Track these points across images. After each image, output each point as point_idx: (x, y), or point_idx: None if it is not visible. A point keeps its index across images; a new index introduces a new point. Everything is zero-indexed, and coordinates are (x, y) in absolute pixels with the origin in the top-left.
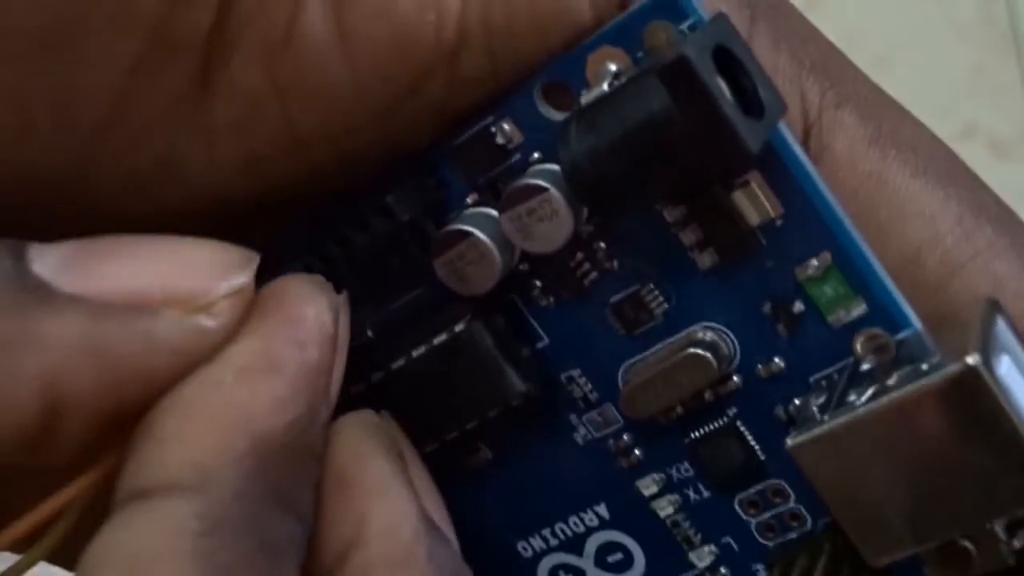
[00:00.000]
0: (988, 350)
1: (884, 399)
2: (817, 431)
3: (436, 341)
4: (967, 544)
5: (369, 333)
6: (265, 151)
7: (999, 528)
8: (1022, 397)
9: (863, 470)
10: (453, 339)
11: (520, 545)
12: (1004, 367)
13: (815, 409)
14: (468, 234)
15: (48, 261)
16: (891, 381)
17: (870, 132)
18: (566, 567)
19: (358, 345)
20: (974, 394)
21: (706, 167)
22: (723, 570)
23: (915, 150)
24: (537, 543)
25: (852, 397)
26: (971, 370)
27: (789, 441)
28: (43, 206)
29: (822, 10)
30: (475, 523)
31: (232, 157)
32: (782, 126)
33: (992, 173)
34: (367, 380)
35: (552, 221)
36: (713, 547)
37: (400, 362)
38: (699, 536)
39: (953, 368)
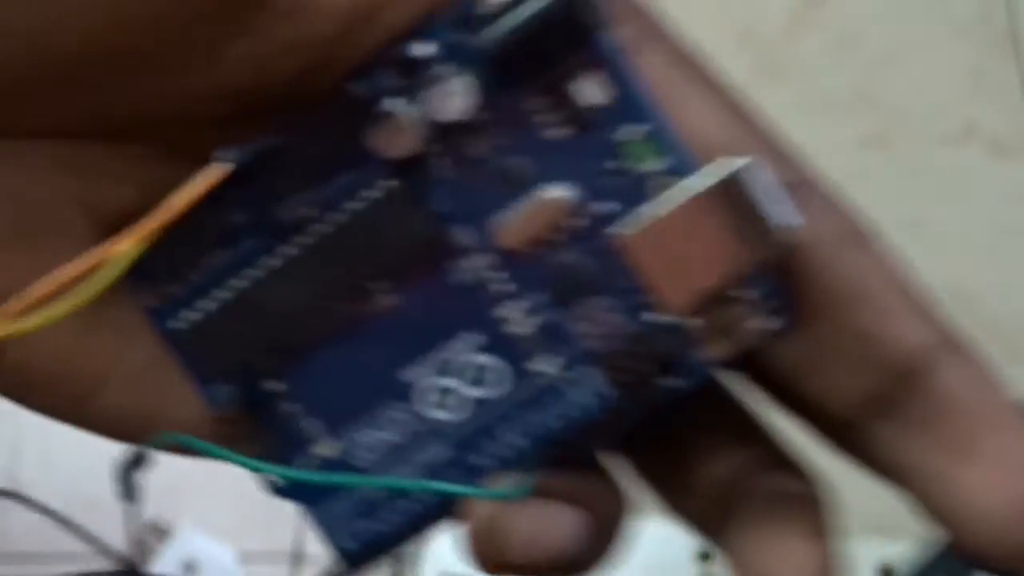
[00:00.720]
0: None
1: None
2: (638, 223)
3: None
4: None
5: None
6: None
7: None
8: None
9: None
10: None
11: (401, 375)
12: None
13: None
14: (393, 112)
15: None
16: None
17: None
18: (441, 388)
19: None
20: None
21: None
22: (565, 374)
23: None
24: (417, 372)
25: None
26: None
27: (615, 231)
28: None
29: (823, 11)
30: (375, 353)
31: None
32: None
33: (992, 173)
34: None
35: (455, 95)
36: (553, 356)
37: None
38: (543, 344)
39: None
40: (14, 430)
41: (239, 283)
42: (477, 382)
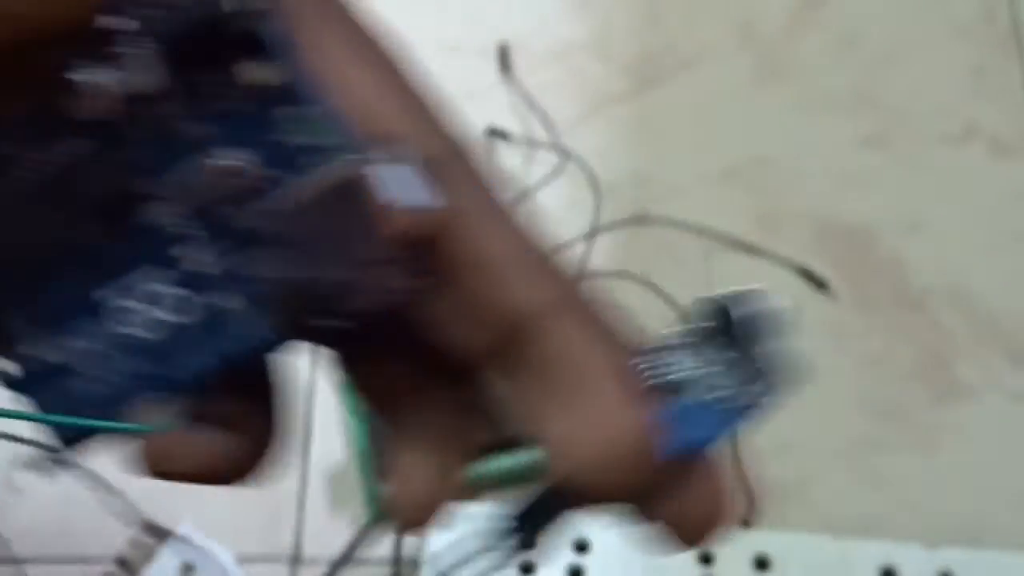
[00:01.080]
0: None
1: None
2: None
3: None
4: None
5: None
6: None
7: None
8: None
9: None
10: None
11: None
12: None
13: None
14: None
15: None
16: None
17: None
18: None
19: None
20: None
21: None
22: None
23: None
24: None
25: None
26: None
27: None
28: None
29: (823, 10)
30: (75, 276)
31: None
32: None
33: (993, 173)
34: None
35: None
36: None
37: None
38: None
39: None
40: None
41: None
42: (159, 307)
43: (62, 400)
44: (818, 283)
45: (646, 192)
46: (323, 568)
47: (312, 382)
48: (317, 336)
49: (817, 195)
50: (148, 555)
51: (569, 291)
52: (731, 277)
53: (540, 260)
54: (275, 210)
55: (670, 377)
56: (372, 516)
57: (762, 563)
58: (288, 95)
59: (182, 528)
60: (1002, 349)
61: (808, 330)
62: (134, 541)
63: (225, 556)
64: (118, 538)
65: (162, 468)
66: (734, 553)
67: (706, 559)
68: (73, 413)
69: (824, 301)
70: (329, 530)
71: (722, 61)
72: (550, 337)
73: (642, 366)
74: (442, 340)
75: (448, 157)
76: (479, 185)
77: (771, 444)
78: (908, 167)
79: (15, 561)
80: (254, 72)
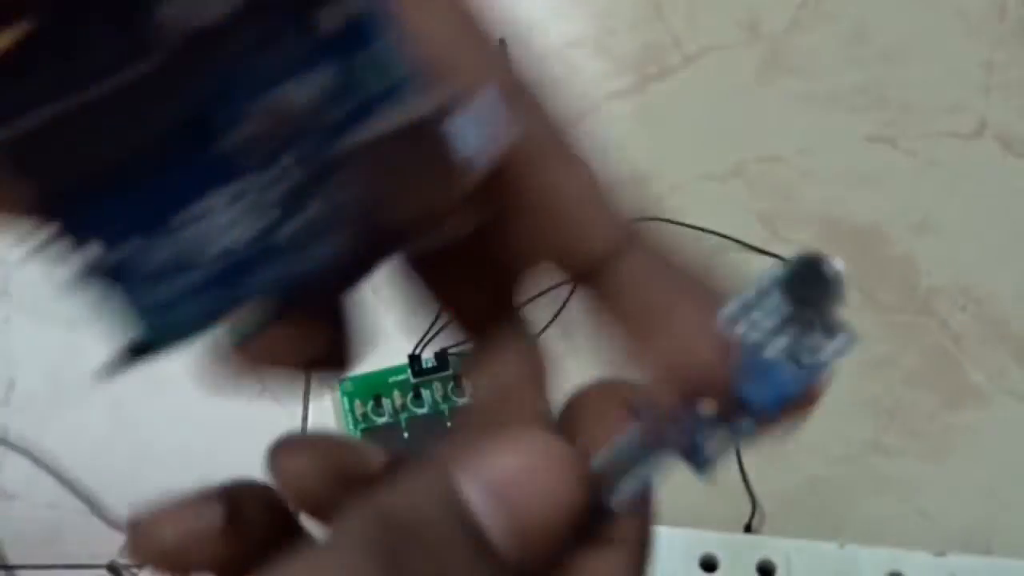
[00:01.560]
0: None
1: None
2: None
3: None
4: None
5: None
6: None
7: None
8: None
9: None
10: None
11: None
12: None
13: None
14: None
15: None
16: None
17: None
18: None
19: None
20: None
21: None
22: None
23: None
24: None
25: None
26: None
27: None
28: None
29: (830, 5)
30: (152, 191)
31: None
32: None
33: (1003, 170)
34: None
35: None
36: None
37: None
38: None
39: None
40: (1, 436)
41: (47, 117)
42: (237, 228)
43: (140, 307)
44: None
45: (648, 191)
46: None
47: (308, 383)
48: (387, 258)
49: (824, 193)
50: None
51: (635, 227)
52: (735, 278)
53: (608, 197)
54: (353, 141)
55: (747, 333)
56: None
57: (766, 570)
58: (367, 32)
59: None
60: (1012, 351)
61: None
62: (126, 547)
63: None
64: (110, 544)
65: (264, 362)
66: (738, 559)
67: (709, 565)
68: (151, 320)
69: None
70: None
71: (726, 56)
72: (625, 268)
73: (720, 319)
74: (520, 267)
75: (519, 91)
76: (549, 121)
77: (775, 448)
78: (917, 164)
79: (5, 567)
80: (329, 14)
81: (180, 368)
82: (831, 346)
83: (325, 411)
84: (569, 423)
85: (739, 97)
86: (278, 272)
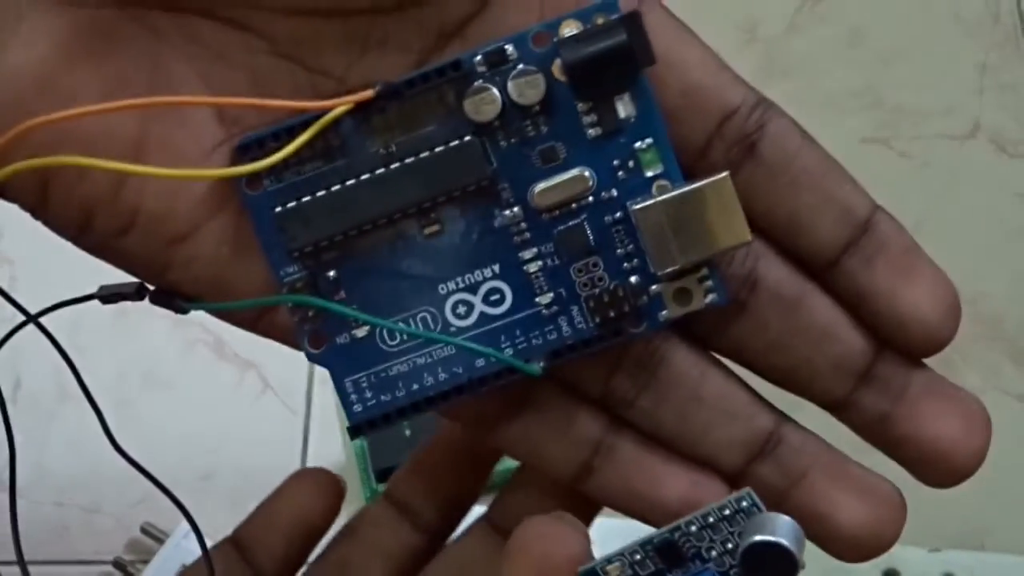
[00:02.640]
0: None
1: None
2: (650, 202)
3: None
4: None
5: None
6: None
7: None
8: None
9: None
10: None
11: (440, 287)
12: None
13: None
14: (488, 88)
15: None
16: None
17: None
18: (464, 302)
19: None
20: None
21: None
22: (555, 307)
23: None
24: (451, 286)
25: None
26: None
27: (633, 206)
28: None
29: (827, 6)
30: (420, 267)
31: None
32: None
33: (997, 171)
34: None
35: (532, 88)
36: (552, 293)
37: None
38: (547, 286)
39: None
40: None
41: (329, 189)
42: (490, 302)
43: (366, 378)
44: None
45: None
46: None
47: (310, 382)
48: (621, 340)
49: None
50: (146, 557)
51: (869, 196)
52: None
53: (845, 172)
54: (609, 221)
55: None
56: None
57: None
58: (640, 129)
59: (181, 529)
60: (1006, 351)
61: None
62: (132, 543)
63: None
64: (116, 540)
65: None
66: None
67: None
68: (376, 391)
69: None
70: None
71: (726, 56)
72: (880, 226)
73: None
74: (808, 243)
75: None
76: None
77: None
78: (912, 166)
79: (10, 563)
80: (621, 105)
81: (183, 368)
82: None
83: (327, 410)
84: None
85: None
86: (522, 345)
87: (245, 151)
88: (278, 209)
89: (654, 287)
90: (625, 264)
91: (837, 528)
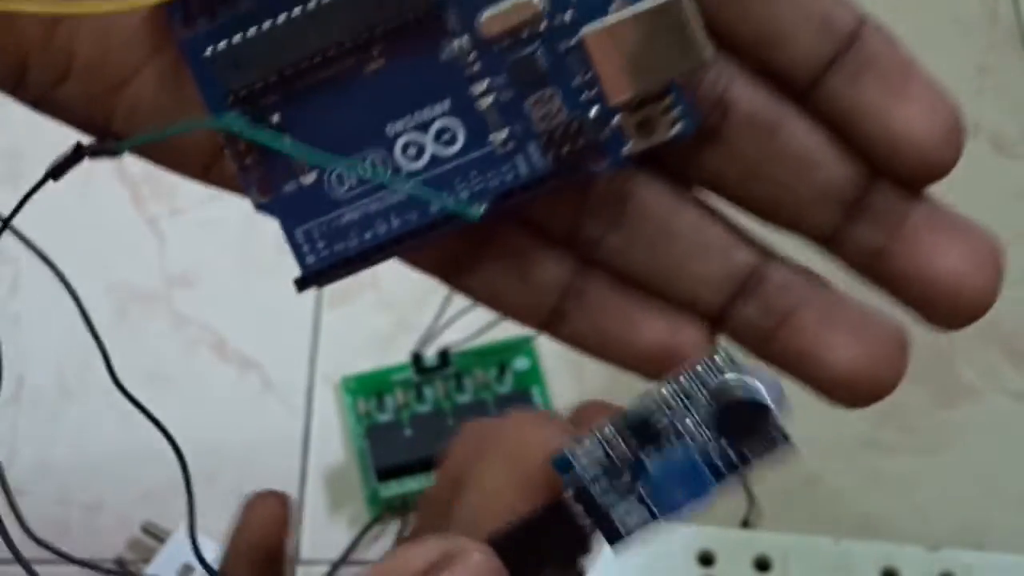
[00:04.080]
0: None
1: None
2: (599, 25)
3: None
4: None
5: None
6: None
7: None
8: None
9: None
10: None
11: (387, 127)
12: None
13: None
14: None
15: None
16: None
17: None
18: (414, 142)
19: None
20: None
21: None
22: (511, 144)
23: None
24: (399, 126)
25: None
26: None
27: (583, 31)
28: None
29: None
30: (365, 106)
31: None
32: None
33: (996, 171)
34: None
35: None
36: (506, 130)
37: None
38: (501, 121)
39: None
40: (11, 432)
41: (261, 27)
42: (442, 141)
43: (317, 227)
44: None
45: None
46: (323, 568)
47: (311, 381)
48: (579, 177)
49: None
50: (147, 556)
51: (863, 9)
52: None
53: None
54: (563, 48)
55: (675, 433)
56: (372, 516)
57: (763, 564)
58: None
59: (182, 529)
60: (1004, 350)
61: None
62: (133, 542)
63: None
64: (117, 539)
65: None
66: (735, 554)
67: (706, 560)
68: (331, 240)
69: None
70: (329, 530)
71: None
72: (870, 41)
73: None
74: (785, 59)
75: None
76: None
77: None
78: None
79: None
80: None
81: (184, 367)
82: (762, 456)
83: (328, 409)
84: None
85: None
86: (475, 184)
87: None
88: (208, 52)
89: (615, 118)
90: (584, 94)
91: (829, 369)
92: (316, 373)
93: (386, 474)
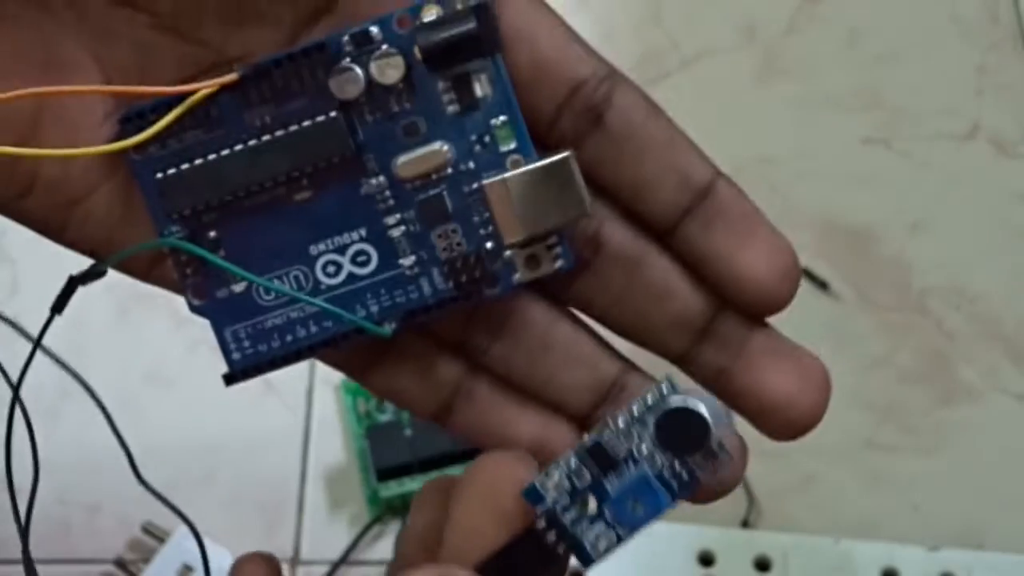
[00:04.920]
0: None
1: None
2: (497, 178)
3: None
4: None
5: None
6: None
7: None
8: None
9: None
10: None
11: (311, 248)
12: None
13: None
14: (351, 68)
15: None
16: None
17: None
18: (334, 262)
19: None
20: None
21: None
22: (417, 269)
23: None
24: (321, 247)
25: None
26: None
27: (483, 181)
28: None
29: (824, 8)
30: (292, 229)
31: None
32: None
33: (996, 172)
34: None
35: (392, 68)
36: (413, 256)
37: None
38: (410, 249)
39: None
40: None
41: (207, 158)
42: (357, 262)
43: (244, 330)
44: (820, 283)
45: None
46: (323, 568)
47: (311, 381)
48: (476, 301)
49: (819, 195)
50: (147, 556)
51: (713, 166)
52: None
53: (691, 142)
54: (467, 192)
55: (624, 447)
56: (372, 516)
57: (763, 564)
58: (495, 107)
59: (181, 528)
60: (1005, 351)
61: (810, 331)
62: (133, 542)
63: (224, 557)
64: (117, 539)
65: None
66: (734, 554)
67: (706, 560)
68: (255, 341)
69: (826, 301)
70: (329, 530)
71: (724, 60)
72: (720, 193)
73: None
74: (649, 206)
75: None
76: (637, 92)
77: (772, 444)
78: (911, 166)
79: (11, 562)
80: (477, 84)
81: (184, 368)
82: (712, 465)
83: (328, 409)
84: (458, 502)
85: (736, 100)
86: (385, 302)
87: (128, 122)
88: (159, 175)
89: (507, 253)
90: (481, 231)
91: (769, 400)
92: (316, 373)
93: (386, 474)
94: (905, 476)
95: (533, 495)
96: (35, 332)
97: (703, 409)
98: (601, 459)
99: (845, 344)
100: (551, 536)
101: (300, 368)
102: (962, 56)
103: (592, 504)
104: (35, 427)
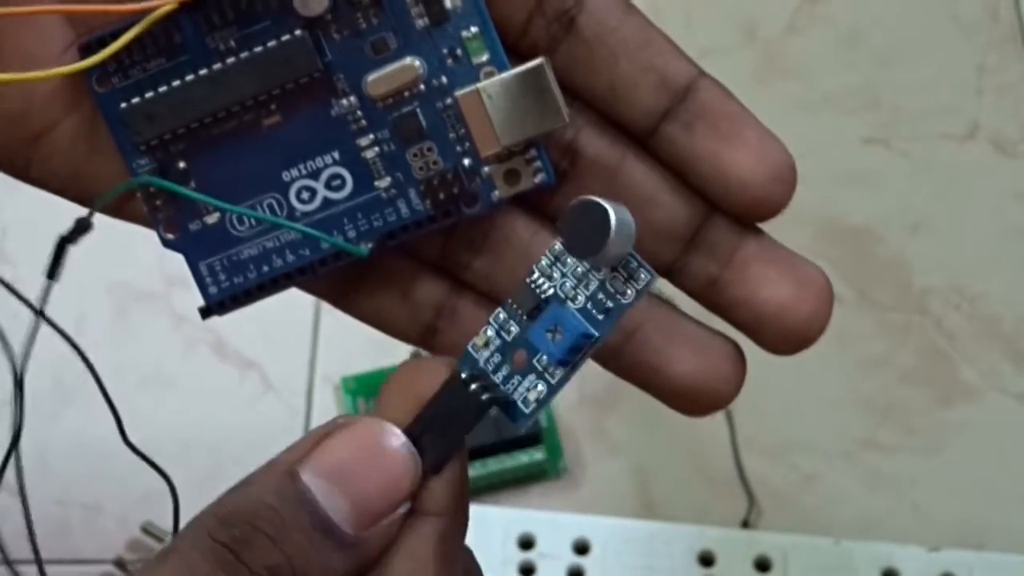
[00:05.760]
0: None
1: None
2: (469, 89)
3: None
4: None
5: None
6: None
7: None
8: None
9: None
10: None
11: (283, 174)
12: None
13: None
14: None
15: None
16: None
17: None
18: (308, 188)
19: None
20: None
21: None
22: (393, 191)
23: None
24: (294, 173)
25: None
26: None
27: (456, 93)
28: None
29: (824, 8)
30: (263, 156)
31: None
32: None
33: (996, 172)
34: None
35: None
36: (389, 178)
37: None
38: (385, 170)
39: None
40: (11, 432)
41: (171, 85)
42: (332, 187)
43: (220, 262)
44: None
45: None
46: None
47: (311, 382)
48: (454, 219)
49: (819, 194)
50: (147, 556)
51: (696, 67)
52: None
53: (671, 43)
54: (440, 108)
55: (548, 289)
56: None
57: (763, 565)
58: (466, 18)
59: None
60: (1005, 351)
61: None
62: (133, 542)
63: None
64: (117, 539)
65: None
66: (735, 555)
67: (706, 560)
68: (231, 273)
69: None
70: None
71: (723, 60)
72: (703, 93)
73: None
74: (626, 110)
75: None
76: None
77: (772, 444)
78: (911, 166)
79: (10, 562)
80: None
81: (184, 367)
82: (632, 288)
83: (327, 409)
84: (380, 399)
85: None
86: (362, 225)
87: (88, 49)
88: (123, 105)
89: (485, 169)
90: (458, 148)
91: (670, 380)
92: (316, 373)
93: None
94: (905, 476)
95: (467, 360)
96: (34, 332)
97: (605, 203)
98: (526, 304)
99: (845, 344)
100: (477, 386)
101: (300, 368)
102: (962, 56)
103: (522, 352)
104: (35, 428)
